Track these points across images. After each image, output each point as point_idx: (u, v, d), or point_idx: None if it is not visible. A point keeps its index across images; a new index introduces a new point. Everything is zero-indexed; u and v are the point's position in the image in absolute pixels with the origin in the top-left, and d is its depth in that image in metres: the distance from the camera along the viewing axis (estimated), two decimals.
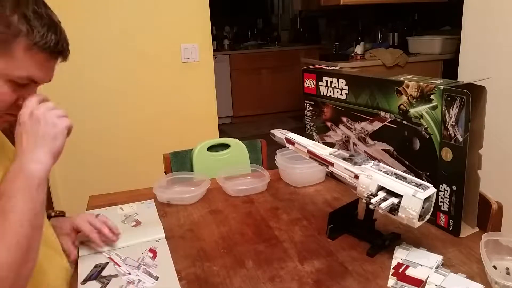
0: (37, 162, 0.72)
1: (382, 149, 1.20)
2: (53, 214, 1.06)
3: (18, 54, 0.72)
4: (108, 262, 0.94)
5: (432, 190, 0.88)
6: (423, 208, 0.85)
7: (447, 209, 1.03)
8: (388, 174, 0.93)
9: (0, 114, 0.77)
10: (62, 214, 1.08)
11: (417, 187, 0.87)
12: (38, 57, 0.73)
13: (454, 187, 1.00)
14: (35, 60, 0.73)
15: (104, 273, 0.90)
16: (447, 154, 1.00)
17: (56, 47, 0.75)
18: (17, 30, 0.70)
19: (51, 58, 0.76)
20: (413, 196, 0.85)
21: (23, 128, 0.74)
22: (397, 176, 0.92)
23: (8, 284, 0.65)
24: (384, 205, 0.88)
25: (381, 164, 0.97)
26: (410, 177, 0.92)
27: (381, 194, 0.91)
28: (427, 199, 0.86)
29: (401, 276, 0.85)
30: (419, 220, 0.86)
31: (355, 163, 0.97)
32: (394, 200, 0.88)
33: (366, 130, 1.24)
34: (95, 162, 2.46)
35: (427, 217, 0.89)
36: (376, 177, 0.92)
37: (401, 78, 1.12)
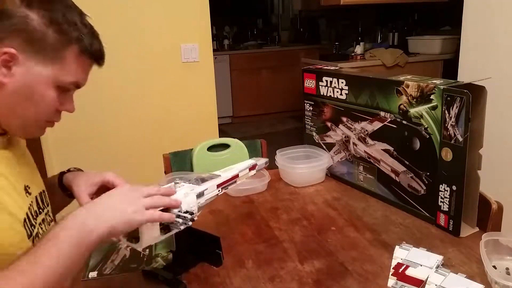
0: (97, 228, 0.67)
1: (382, 149, 1.20)
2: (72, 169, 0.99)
3: (69, 60, 0.75)
4: None
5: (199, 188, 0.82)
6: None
7: (447, 209, 1.03)
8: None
9: (41, 122, 0.79)
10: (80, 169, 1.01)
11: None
12: (85, 63, 0.78)
13: (454, 187, 1.00)
14: (82, 66, 0.78)
15: None
16: (447, 154, 1.00)
17: (100, 54, 0.80)
18: (70, 37, 0.74)
19: (92, 64, 0.81)
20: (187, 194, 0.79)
21: (118, 191, 0.74)
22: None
23: None
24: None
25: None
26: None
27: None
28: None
29: (401, 276, 0.85)
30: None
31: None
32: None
33: (366, 130, 1.24)
34: (95, 162, 2.46)
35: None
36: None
37: (401, 78, 1.12)
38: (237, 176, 0.95)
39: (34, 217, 0.81)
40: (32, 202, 0.82)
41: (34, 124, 0.79)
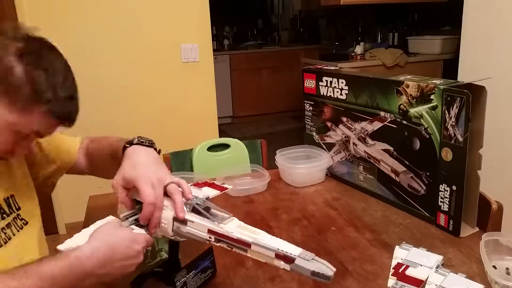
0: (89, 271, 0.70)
1: (382, 149, 1.20)
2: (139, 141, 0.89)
3: (35, 115, 0.75)
4: None
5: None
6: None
7: (447, 209, 1.03)
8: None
9: None
10: (150, 145, 0.89)
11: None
12: (50, 122, 0.78)
13: (454, 187, 1.00)
14: (47, 124, 0.78)
15: None
16: (447, 154, 1.00)
17: (69, 116, 0.79)
18: (42, 97, 0.74)
19: (59, 124, 0.80)
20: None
21: (110, 248, 0.72)
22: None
23: None
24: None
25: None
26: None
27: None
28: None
29: (401, 276, 0.85)
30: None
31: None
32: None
33: (366, 130, 1.24)
34: None
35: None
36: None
37: (401, 78, 1.12)
38: (248, 244, 0.69)
39: None
40: None
41: None
